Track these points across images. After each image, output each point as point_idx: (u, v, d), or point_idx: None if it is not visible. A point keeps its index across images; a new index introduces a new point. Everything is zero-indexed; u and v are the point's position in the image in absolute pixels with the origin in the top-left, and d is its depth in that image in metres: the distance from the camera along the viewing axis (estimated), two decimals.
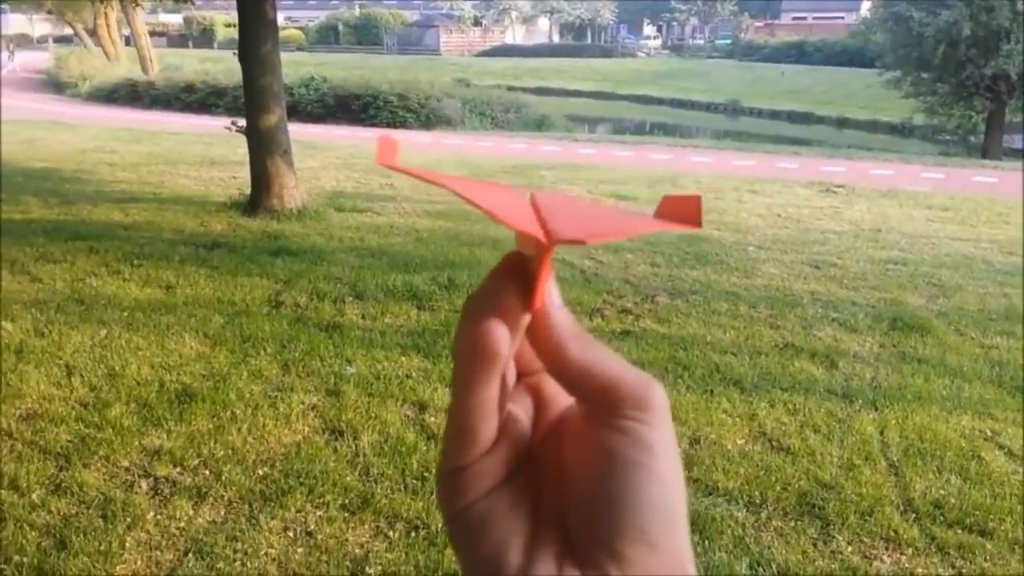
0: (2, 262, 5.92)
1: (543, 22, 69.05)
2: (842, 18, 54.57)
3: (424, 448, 3.35)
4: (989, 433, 3.51)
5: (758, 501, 2.97)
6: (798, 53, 44.00)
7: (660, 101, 35.93)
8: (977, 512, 2.86)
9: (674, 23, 70.77)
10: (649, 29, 73.58)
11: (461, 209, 8.63)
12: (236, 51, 7.85)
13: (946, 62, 21.04)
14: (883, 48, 24.34)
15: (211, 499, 3.05)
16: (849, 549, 2.70)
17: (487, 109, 20.84)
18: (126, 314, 4.90)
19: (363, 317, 5.01)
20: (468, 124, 19.42)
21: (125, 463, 3.26)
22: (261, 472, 3.19)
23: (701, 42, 64.27)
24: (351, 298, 5.34)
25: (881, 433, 3.45)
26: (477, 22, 64.11)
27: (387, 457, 3.28)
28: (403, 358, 4.32)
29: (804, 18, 59.42)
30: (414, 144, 15.60)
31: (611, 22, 68.89)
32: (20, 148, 13.10)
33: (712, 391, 3.86)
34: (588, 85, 39.97)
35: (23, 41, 55.25)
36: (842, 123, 28.83)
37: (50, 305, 5.03)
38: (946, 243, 7.38)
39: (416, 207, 8.66)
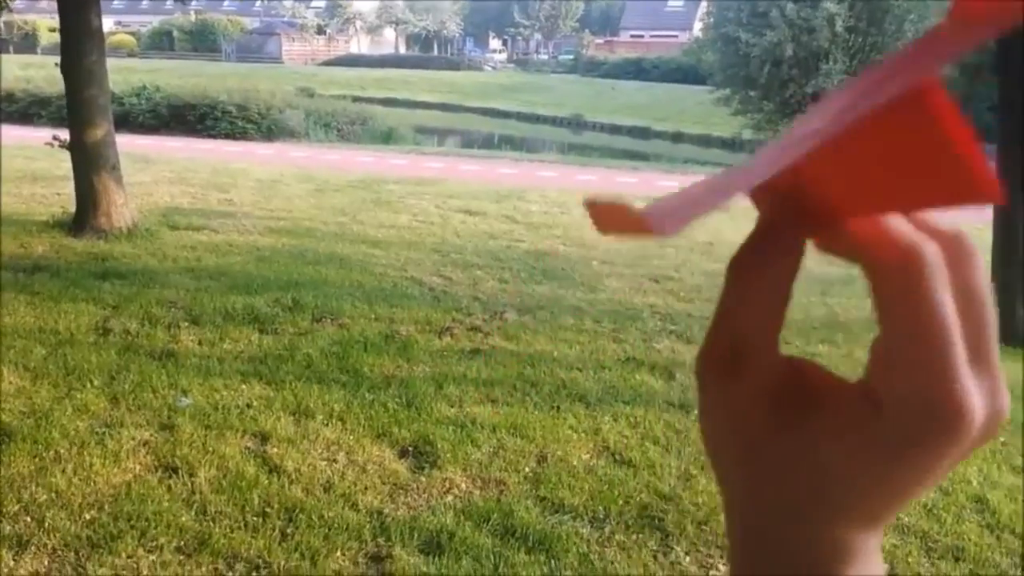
0: None
1: (389, 32, 68.74)
2: (676, 37, 57.31)
3: (266, 482, 3.24)
4: None
5: (602, 516, 3.05)
6: (636, 69, 45.87)
7: (507, 114, 36.49)
8: None
9: (519, 37, 72.16)
10: (495, 43, 74.71)
11: (306, 226, 8.45)
12: (58, 62, 7.38)
13: (771, 81, 22.50)
14: (713, 67, 25.79)
15: (33, 548, 2.82)
16: (687, 559, 2.82)
17: (332, 120, 20.51)
18: None
19: (200, 343, 4.79)
20: (313, 136, 19.03)
21: None
22: (88, 516, 2.99)
23: (545, 57, 65.80)
24: (187, 323, 5.10)
25: None
26: (321, 31, 63.00)
27: (226, 494, 3.15)
28: (244, 386, 4.16)
29: (642, 36, 62.00)
30: (256, 156, 15.14)
31: (457, 35, 69.43)
32: None
33: (559, 407, 3.94)
34: (436, 97, 40.06)
35: None
36: (677, 137, 30.21)
37: None
38: None
39: (257, 224, 8.39)
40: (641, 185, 12.71)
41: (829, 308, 5.96)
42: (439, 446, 3.52)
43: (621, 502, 3.10)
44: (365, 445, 3.55)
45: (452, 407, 3.94)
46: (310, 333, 5.03)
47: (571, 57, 58.28)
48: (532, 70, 55.56)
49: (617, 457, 3.46)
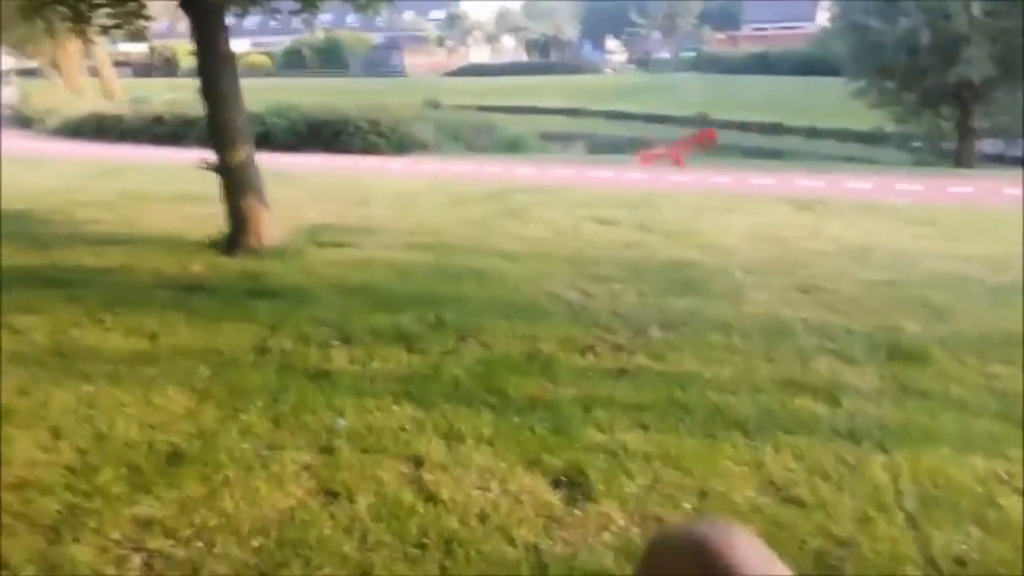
0: None
1: (507, 40, 69.36)
2: (802, 28, 55.29)
3: (422, 510, 3.25)
4: (1004, 475, 3.44)
5: None
6: (761, 64, 44.56)
7: (632, 116, 36.16)
8: (1002, 568, 2.81)
9: (637, 38, 71.42)
10: (612, 44, 74.20)
11: (441, 239, 8.58)
12: (199, 87, 7.76)
13: (908, 70, 21.27)
14: (844, 58, 24.61)
15: (205, 575, 2.93)
16: None
17: (459, 131, 20.81)
18: (110, 367, 4.76)
19: (351, 362, 4.90)
20: (442, 147, 19.35)
21: (116, 535, 3.13)
22: (256, 543, 3.07)
23: (666, 56, 64.83)
24: (338, 342, 5.23)
25: (894, 479, 3.38)
26: (441, 42, 64.25)
27: (384, 522, 3.18)
28: (395, 407, 4.21)
29: (764, 29, 60.14)
30: (389, 170, 15.54)
31: (575, 38, 69.32)
32: None
33: (715, 435, 3.79)
34: (559, 102, 40.15)
35: None
36: (812, 133, 29.12)
37: (32, 360, 4.88)
38: (934, 260, 7.39)
39: (396, 239, 8.57)
40: (780, 186, 12.27)
41: (1006, 322, 5.53)
42: (592, 476, 3.44)
43: (795, 548, 2.92)
44: (517, 473, 3.52)
45: (602, 433, 3.86)
46: (455, 352, 5.06)
47: (692, 54, 57.21)
48: (653, 70, 54.84)
49: (784, 494, 3.29)
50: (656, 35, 71.34)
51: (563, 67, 56.32)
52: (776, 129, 30.44)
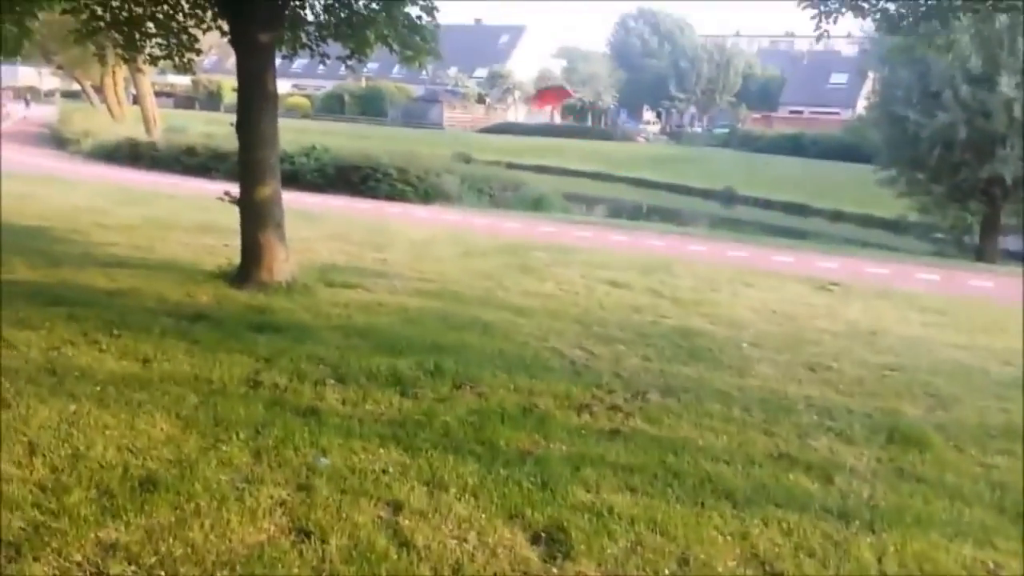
0: None
1: None
2: (838, 114, 55.78)
3: (395, 556, 3.15)
4: (992, 565, 3.33)
5: None
6: (794, 145, 44.80)
7: (657, 185, 36.36)
8: None
9: (673, 110, 72.25)
10: (649, 115, 75.11)
11: (452, 289, 8.56)
12: (233, 122, 7.86)
13: (941, 164, 21.29)
14: (878, 146, 24.73)
15: None
16: None
17: (485, 186, 20.99)
18: (98, 388, 4.72)
19: (343, 403, 4.84)
20: (466, 200, 19.51)
21: (78, 557, 3.04)
22: None
23: (699, 130, 65.49)
24: (332, 381, 5.18)
25: (879, 561, 3.27)
26: (481, 99, 65.29)
27: (355, 565, 3.08)
28: (381, 450, 4.14)
29: (801, 112, 60.70)
30: (412, 218, 15.64)
31: (612, 106, 70.23)
32: (12, 204, 13.00)
33: (703, 503, 3.68)
34: (587, 166, 40.48)
35: (32, 94, 56.07)
36: (836, 216, 29.08)
37: (21, 375, 4.85)
38: (943, 349, 7.27)
39: (408, 285, 8.56)
40: (798, 264, 12.19)
41: (1008, 414, 5.39)
42: (573, 535, 3.34)
43: None
44: (497, 526, 3.42)
45: (589, 492, 3.76)
46: (449, 400, 4.98)
47: (726, 131, 57.73)
48: (684, 143, 55.34)
49: (768, 568, 3.16)
50: (692, 109, 72.16)
51: (596, 132, 57.01)
52: (801, 209, 30.43)
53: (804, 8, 7.65)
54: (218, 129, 28.18)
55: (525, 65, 67.47)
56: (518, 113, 66.83)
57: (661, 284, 9.55)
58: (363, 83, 60.38)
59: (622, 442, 4.43)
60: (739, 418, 4.94)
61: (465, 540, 3.33)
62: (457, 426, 4.52)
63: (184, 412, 4.45)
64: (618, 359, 6.21)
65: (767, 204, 31.61)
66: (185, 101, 58.07)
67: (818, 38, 8.16)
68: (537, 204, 20.83)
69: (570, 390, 5.28)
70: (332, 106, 60.52)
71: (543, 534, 3.39)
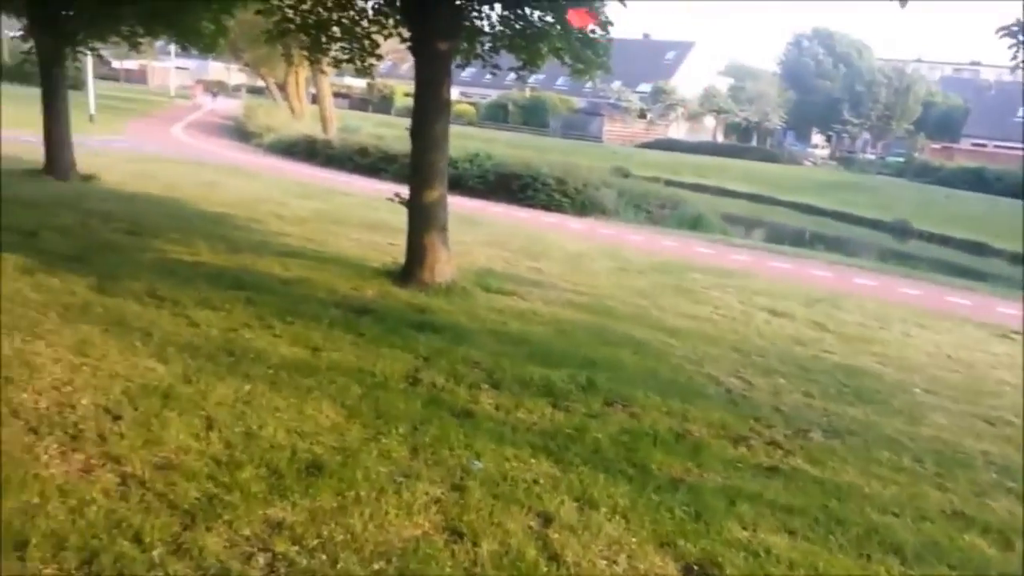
0: (165, 303, 6.21)
1: (709, 120, 69.06)
2: None
3: (545, 569, 3.15)
4: None
5: None
6: (975, 179, 41.87)
7: (822, 212, 34.81)
8: None
9: (844, 135, 69.24)
10: (817, 138, 72.26)
11: (606, 304, 8.51)
12: (409, 127, 8.13)
13: None
14: None
15: None
16: None
17: (643, 201, 20.78)
18: (271, 371, 4.98)
19: (496, 408, 4.89)
20: (623, 215, 19.38)
21: (247, 532, 3.21)
22: (376, 566, 3.07)
23: (872, 157, 62.33)
24: (487, 385, 5.24)
25: None
26: (642, 114, 64.84)
27: (505, 572, 3.10)
28: (532, 460, 4.15)
29: (984, 145, 56.68)
30: (567, 229, 15.69)
31: (778, 127, 68.09)
32: (200, 191, 14.03)
33: (869, 556, 3.47)
34: (748, 187, 39.35)
35: (220, 88, 60.47)
36: (1017, 259, 26.94)
37: (202, 352, 5.18)
38: None
39: (561, 295, 8.59)
40: (976, 308, 11.36)
41: None
42: (728, 572, 3.22)
43: None
44: (648, 552, 3.35)
45: (745, 529, 3.62)
46: (601, 416, 4.94)
47: (901, 160, 54.67)
48: (855, 169, 52.81)
49: None
50: (865, 135, 68.94)
51: (760, 153, 55.30)
52: (980, 249, 28.34)
53: (1002, 37, 7.13)
54: (388, 131, 29.39)
55: (690, 81, 66.47)
56: (679, 130, 65.91)
57: (826, 317, 9.13)
58: (527, 93, 61.22)
59: (781, 480, 4.25)
60: (910, 468, 4.64)
61: (615, 562, 3.28)
62: (608, 444, 4.48)
63: (348, 402, 4.62)
64: (778, 392, 5.98)
65: (944, 240, 29.66)
66: (359, 103, 60.77)
67: (1012, 69, 7.60)
68: (695, 223, 20.41)
69: (726, 420, 5.12)
70: (496, 114, 61.70)
71: (696, 567, 3.29)
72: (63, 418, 4.01)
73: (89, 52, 14.70)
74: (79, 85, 25.20)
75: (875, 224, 32.27)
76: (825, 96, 67.08)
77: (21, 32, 15.17)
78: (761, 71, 70.99)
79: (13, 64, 50.61)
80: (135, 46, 15.08)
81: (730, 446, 4.71)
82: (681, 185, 30.92)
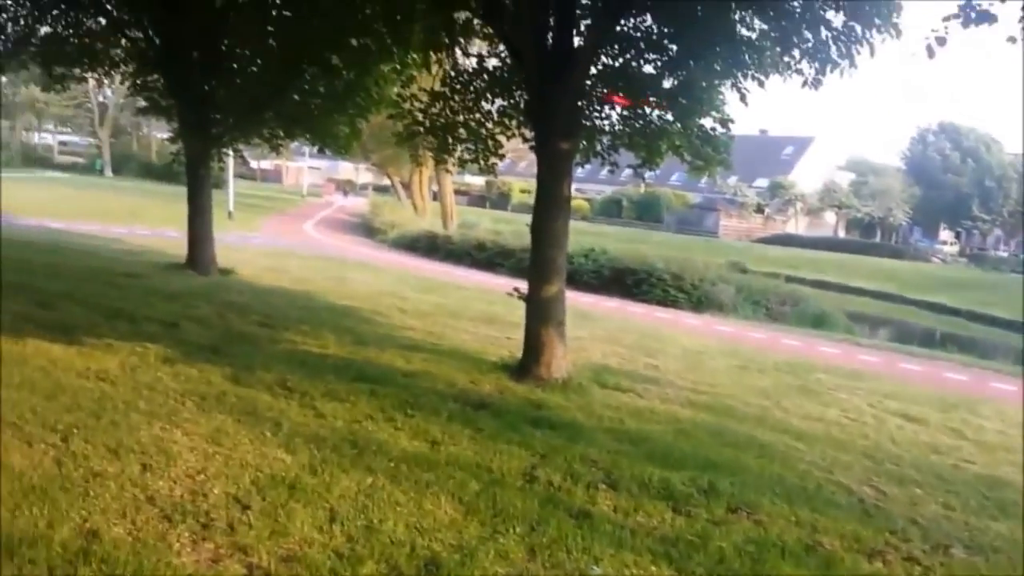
0: (294, 393, 6.44)
1: (829, 216, 67.67)
2: None
3: None
4: None
5: None
6: None
7: (954, 311, 33.15)
8: None
9: (975, 231, 66.43)
10: (946, 234, 69.56)
11: (726, 403, 8.28)
12: (529, 223, 8.31)
13: None
14: None
15: None
16: None
17: (762, 298, 20.36)
18: (392, 464, 5.05)
19: (615, 510, 4.78)
20: (741, 311, 19.03)
21: None
22: None
23: (1005, 254, 59.36)
24: (604, 485, 5.15)
25: None
26: (760, 209, 64.19)
27: None
28: (653, 567, 4.02)
29: None
30: (683, 325, 15.50)
31: (904, 223, 66.01)
32: (329, 284, 14.65)
33: None
34: (873, 284, 38.04)
35: (349, 186, 63.81)
36: None
37: (327, 443, 5.31)
38: None
39: (679, 394, 8.42)
40: None
41: None
42: None
43: None
44: None
45: None
46: (724, 523, 4.76)
47: None
48: (987, 267, 50.33)
49: None
50: (997, 232, 65.96)
51: (885, 249, 53.63)
52: None
53: None
54: (506, 227, 30.08)
55: (809, 176, 65.59)
56: (798, 225, 64.77)
57: (963, 423, 8.60)
58: (642, 189, 61.74)
59: None
60: None
61: None
62: (733, 554, 4.29)
63: (466, 498, 4.62)
64: (914, 503, 5.63)
65: None
66: (478, 200, 62.82)
67: None
68: (818, 321, 19.79)
69: (859, 532, 4.84)
70: (610, 210, 62.36)
71: None
72: (196, 506, 4.16)
73: (232, 153, 15.81)
74: (220, 184, 26.97)
75: (1011, 325, 30.44)
76: (953, 191, 64.89)
77: (171, 135, 16.48)
78: (884, 166, 69.55)
79: (160, 164, 55.06)
80: (275, 148, 16.19)
81: (864, 560, 4.44)
82: (802, 281, 30.18)
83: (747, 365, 11.03)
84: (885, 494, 5.74)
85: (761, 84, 8.01)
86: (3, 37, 13.84)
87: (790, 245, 51.05)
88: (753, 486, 5.46)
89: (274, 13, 11.54)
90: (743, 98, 8.20)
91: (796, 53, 7.68)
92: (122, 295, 10.36)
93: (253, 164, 68.23)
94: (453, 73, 9.73)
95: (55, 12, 13.33)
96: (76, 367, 6.55)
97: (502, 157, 10.31)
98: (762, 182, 65.63)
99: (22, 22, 13.61)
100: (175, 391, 6.20)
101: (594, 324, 13.04)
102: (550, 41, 7.78)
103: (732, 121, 8.80)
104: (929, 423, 8.45)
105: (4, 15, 13.50)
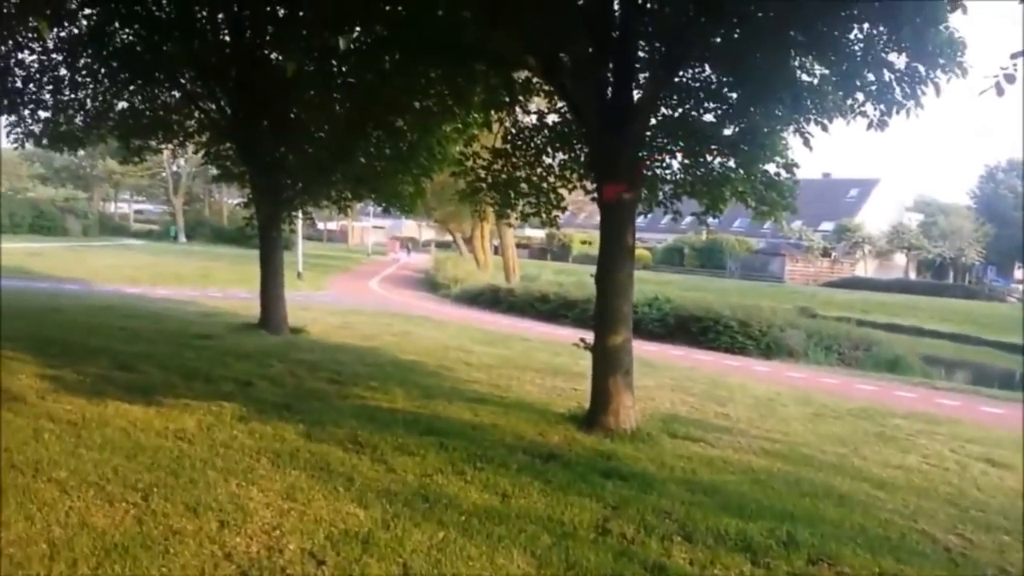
0: (365, 448, 6.52)
1: (899, 258, 66.13)
2: None
3: None
4: None
5: None
6: None
7: None
8: None
9: None
10: (1021, 273, 67.22)
11: (802, 452, 8.09)
12: (592, 274, 8.33)
13: None
14: None
15: None
16: None
17: (833, 343, 19.92)
18: (463, 518, 5.06)
19: (691, 563, 4.70)
20: (812, 357, 18.64)
21: None
22: None
23: None
24: (679, 538, 5.06)
25: None
26: (826, 253, 63.09)
27: None
28: None
29: None
30: (752, 372, 15.25)
31: (977, 262, 64.08)
32: (395, 340, 14.84)
33: None
34: (947, 326, 36.86)
35: (412, 244, 65.08)
36: None
37: (399, 498, 5.36)
38: None
39: (752, 443, 8.26)
40: None
41: None
42: None
43: None
44: None
45: None
46: None
47: None
48: None
49: None
50: None
51: (958, 290, 52.11)
52: None
53: None
54: (567, 278, 30.17)
55: (876, 218, 64.36)
56: (867, 268, 63.40)
57: None
58: (704, 236, 61.35)
59: None
60: None
61: None
62: None
63: (538, 551, 4.60)
64: (1002, 551, 5.40)
65: None
66: (539, 252, 63.19)
67: None
68: (893, 365, 19.23)
69: None
70: (671, 258, 62.04)
71: None
72: (272, 562, 4.24)
73: (303, 215, 16.28)
74: (289, 245, 27.70)
75: None
76: None
77: (242, 200, 17.05)
78: (953, 205, 67.90)
79: (231, 228, 56.89)
80: (343, 209, 16.61)
81: None
82: (873, 325, 29.43)
83: (821, 412, 10.77)
84: (972, 542, 5.53)
85: (825, 128, 7.97)
86: (83, 113, 14.56)
87: (859, 288, 49.94)
88: (834, 536, 5.31)
89: (339, 81, 11.94)
90: (807, 142, 8.15)
91: (859, 96, 7.63)
92: (197, 356, 10.66)
93: (320, 225, 70.07)
94: (514, 130, 9.92)
95: (132, 87, 14.00)
96: (155, 427, 6.75)
97: (564, 210, 10.41)
98: (827, 225, 64.60)
99: (100, 98, 14.32)
100: (250, 448, 6.33)
101: (660, 373, 12.91)
102: (609, 94, 7.89)
103: (797, 166, 8.76)
104: (1014, 468, 8.10)
105: (83, 92, 14.22)
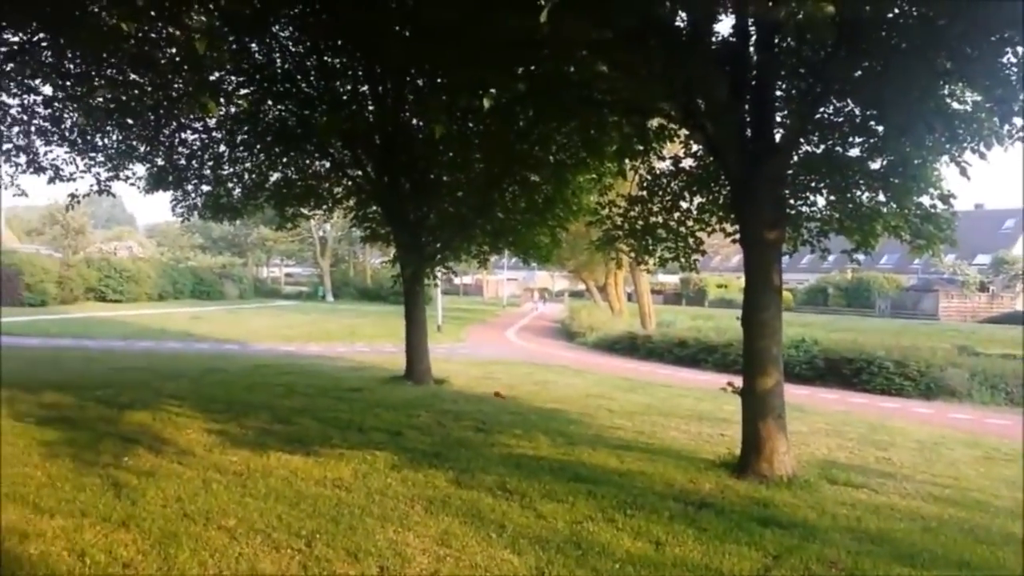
0: (514, 495, 6.58)
1: None
2: None
3: None
4: None
5: None
6: None
7: None
8: None
9: None
10: None
11: (974, 497, 7.60)
12: (739, 316, 8.16)
13: None
14: None
15: None
16: None
17: (999, 382, 18.58)
18: (618, 566, 5.02)
19: None
20: (976, 397, 17.47)
21: None
22: None
23: None
24: None
25: None
26: (983, 287, 59.20)
27: None
28: None
29: None
30: (913, 415, 14.45)
31: None
32: (536, 389, 14.95)
33: None
34: None
35: (546, 294, 65.71)
36: None
37: (551, 545, 5.37)
38: None
39: (919, 488, 7.82)
40: None
41: None
42: None
43: None
44: None
45: None
46: None
47: None
48: None
49: None
50: None
51: None
52: None
53: None
54: (704, 323, 29.57)
55: None
56: None
57: None
58: (848, 275, 58.86)
59: None
60: None
61: None
62: None
63: None
64: None
65: None
66: (673, 298, 62.31)
67: None
68: None
69: None
70: (815, 298, 59.76)
71: None
72: None
73: (445, 270, 16.78)
74: (429, 300, 28.51)
75: None
76: None
77: (384, 260, 17.69)
78: None
79: (374, 287, 58.99)
80: (483, 263, 17.00)
81: None
82: None
83: (992, 455, 10.08)
84: None
85: (982, 156, 7.57)
86: (241, 185, 15.60)
87: (1022, 324, 46.44)
88: None
89: (477, 141, 12.35)
90: (963, 172, 7.77)
91: (1017, 120, 7.24)
92: (349, 407, 11.08)
93: (455, 280, 71.78)
94: (649, 176, 9.94)
95: (285, 159, 14.91)
96: (314, 476, 7.05)
97: (703, 254, 10.29)
98: (983, 259, 60.80)
99: (256, 171, 15.31)
100: (404, 495, 6.51)
101: (813, 417, 12.43)
102: (749, 134, 7.80)
103: (954, 196, 8.36)
104: None
105: (241, 166, 15.26)
